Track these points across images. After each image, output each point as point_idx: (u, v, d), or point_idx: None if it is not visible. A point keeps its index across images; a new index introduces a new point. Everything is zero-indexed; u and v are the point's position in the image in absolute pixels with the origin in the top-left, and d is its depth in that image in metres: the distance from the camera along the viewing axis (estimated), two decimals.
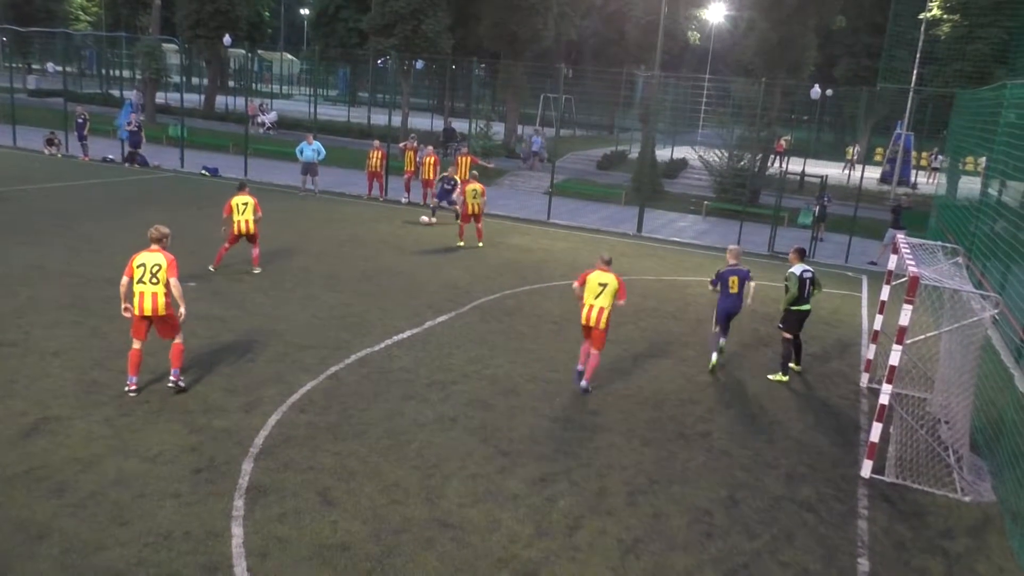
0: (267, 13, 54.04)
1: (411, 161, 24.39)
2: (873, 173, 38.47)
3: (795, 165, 31.74)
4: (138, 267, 8.73)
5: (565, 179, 30.25)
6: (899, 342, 8.29)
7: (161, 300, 8.73)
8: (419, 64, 38.55)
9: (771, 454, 8.89)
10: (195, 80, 59.67)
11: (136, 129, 26.69)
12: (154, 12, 40.95)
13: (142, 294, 8.69)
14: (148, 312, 8.73)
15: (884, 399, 8.41)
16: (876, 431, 8.47)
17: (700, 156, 30.64)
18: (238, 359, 10.20)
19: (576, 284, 10.16)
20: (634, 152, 38.14)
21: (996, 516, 8.02)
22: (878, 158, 42.04)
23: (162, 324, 8.92)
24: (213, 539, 6.38)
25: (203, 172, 26.25)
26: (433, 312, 12.95)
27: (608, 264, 10.13)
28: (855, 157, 39.07)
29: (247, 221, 13.87)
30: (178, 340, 9.08)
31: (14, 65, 51.13)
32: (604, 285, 9.93)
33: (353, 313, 12.53)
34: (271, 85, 69.89)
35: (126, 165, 26.68)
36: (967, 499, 8.26)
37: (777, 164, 32.52)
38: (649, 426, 9.31)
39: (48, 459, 7.35)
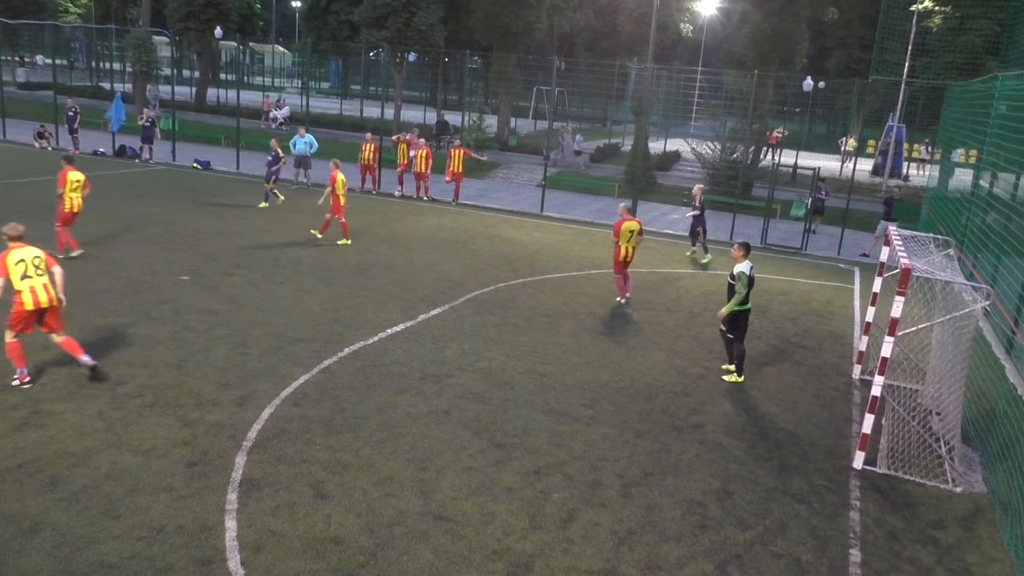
0: (258, 5, 53.81)
1: (404, 154, 24.33)
2: (865, 165, 38.61)
3: (787, 157, 31.79)
4: (17, 264, 8.47)
5: (558, 172, 30.24)
6: (891, 334, 8.32)
7: (52, 291, 8.70)
8: (411, 57, 38.43)
9: (764, 446, 8.93)
10: (186, 73, 59.31)
11: (149, 124, 26.42)
12: (144, 4, 40.62)
13: (33, 288, 8.53)
14: (44, 304, 8.61)
15: (876, 391, 8.44)
16: (868, 422, 8.50)
17: (693, 148, 30.65)
18: (231, 353, 10.17)
19: (613, 237, 13.82)
20: (627, 145, 38.14)
21: (987, 506, 8.07)
22: (870, 150, 42.13)
23: (52, 316, 8.78)
24: (206, 533, 6.37)
25: (195, 165, 26.11)
26: (427, 305, 12.94)
27: (631, 212, 14.25)
28: (846, 147, 39.15)
29: (79, 200, 13.59)
30: (63, 336, 8.92)
31: (3, 58, 50.72)
32: (632, 231, 13.62)
33: (346, 306, 12.51)
34: (263, 77, 69.54)
35: (139, 160, 26.55)
36: (958, 490, 8.31)
37: (770, 156, 32.56)
38: (642, 418, 9.33)
39: (40, 453, 7.33)
